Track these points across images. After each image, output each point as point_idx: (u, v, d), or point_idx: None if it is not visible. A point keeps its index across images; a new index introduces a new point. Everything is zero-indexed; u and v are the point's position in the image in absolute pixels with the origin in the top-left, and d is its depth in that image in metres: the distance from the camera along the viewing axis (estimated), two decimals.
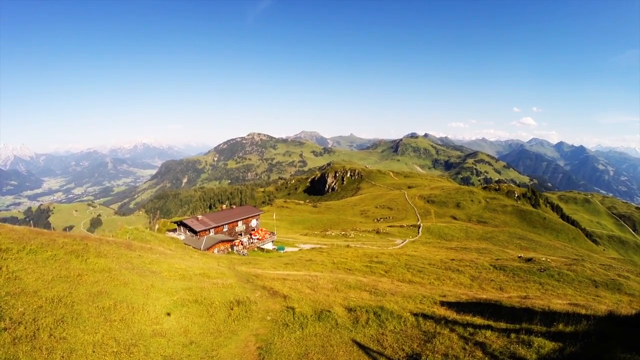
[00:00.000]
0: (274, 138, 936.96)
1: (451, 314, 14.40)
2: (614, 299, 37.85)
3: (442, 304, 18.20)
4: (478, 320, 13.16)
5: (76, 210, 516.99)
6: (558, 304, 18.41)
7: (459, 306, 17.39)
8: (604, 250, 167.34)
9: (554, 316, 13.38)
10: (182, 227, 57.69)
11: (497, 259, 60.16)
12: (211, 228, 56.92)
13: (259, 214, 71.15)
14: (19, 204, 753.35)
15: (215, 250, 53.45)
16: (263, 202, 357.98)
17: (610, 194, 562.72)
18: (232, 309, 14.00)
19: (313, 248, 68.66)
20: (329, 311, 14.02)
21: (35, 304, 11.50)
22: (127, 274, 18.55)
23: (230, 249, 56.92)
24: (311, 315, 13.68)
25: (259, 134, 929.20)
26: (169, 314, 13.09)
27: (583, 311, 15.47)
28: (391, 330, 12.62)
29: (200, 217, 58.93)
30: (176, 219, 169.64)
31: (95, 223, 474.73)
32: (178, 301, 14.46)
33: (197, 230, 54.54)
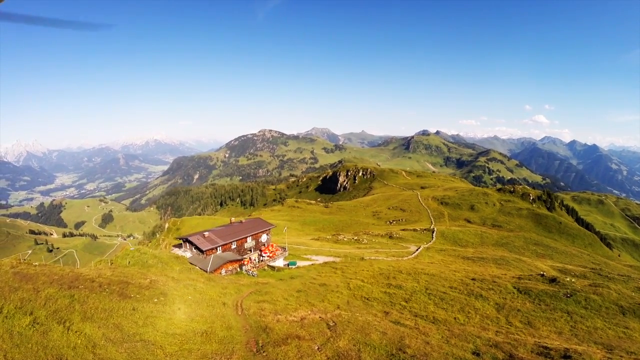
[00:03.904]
0: (285, 134, 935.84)
1: None
2: None
3: None
4: None
5: (88, 206, 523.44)
6: None
7: None
8: (619, 256, 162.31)
9: None
10: (187, 244, 54.83)
11: (519, 278, 56.95)
12: (219, 246, 53.89)
13: (269, 229, 67.62)
14: (31, 199, 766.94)
15: (223, 271, 50.55)
16: (274, 200, 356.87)
17: (624, 195, 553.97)
18: None
19: (326, 263, 65.60)
20: None
21: None
22: (114, 353, 15.65)
23: (239, 269, 53.95)
24: None
25: (270, 130, 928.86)
26: None
27: None
28: None
29: (207, 233, 55.89)
30: (187, 219, 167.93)
31: (107, 219, 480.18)
32: None
33: (204, 249, 51.49)
